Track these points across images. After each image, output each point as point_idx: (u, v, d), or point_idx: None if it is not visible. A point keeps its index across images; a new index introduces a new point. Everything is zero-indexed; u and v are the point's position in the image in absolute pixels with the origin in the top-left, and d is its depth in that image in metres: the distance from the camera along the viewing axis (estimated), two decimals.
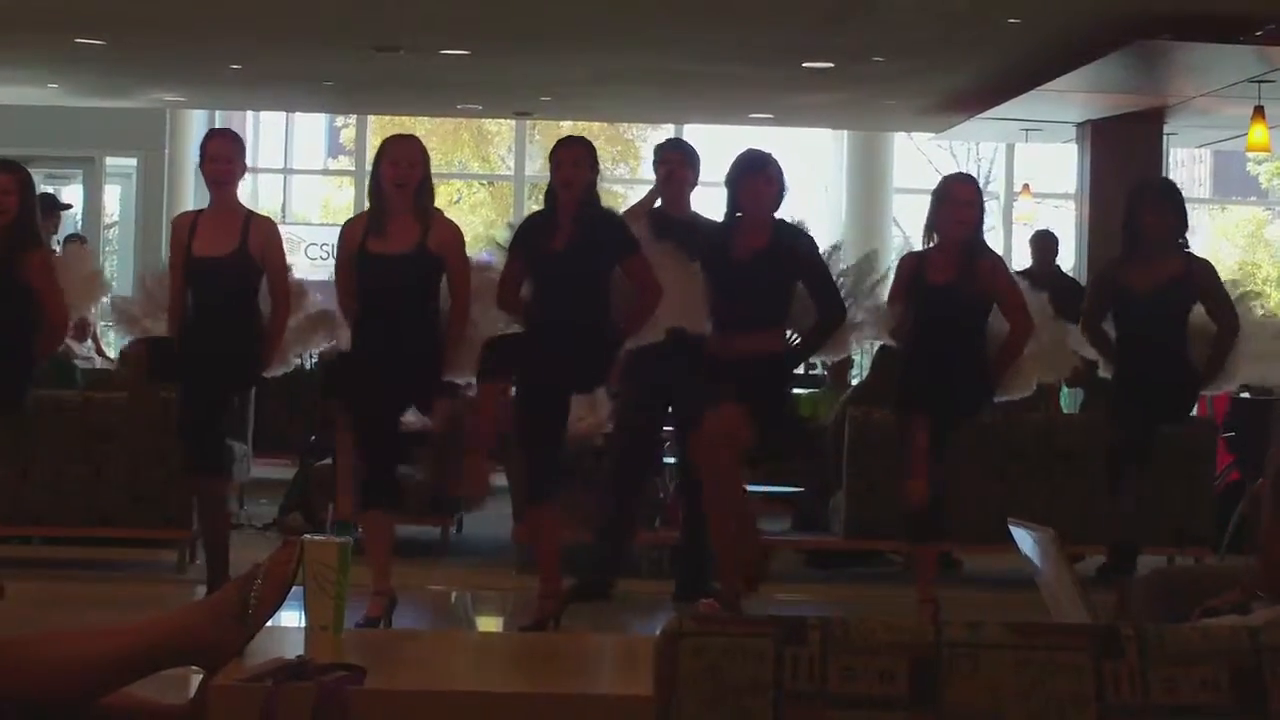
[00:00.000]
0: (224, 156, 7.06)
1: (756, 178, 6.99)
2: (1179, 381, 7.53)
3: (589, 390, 7.08)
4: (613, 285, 6.86)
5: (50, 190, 14.10)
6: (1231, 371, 7.72)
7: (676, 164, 7.53)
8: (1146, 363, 7.47)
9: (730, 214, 7.09)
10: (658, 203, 7.55)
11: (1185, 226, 7.48)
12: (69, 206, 12.81)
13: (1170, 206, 7.47)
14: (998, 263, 7.36)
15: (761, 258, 6.96)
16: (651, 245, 6.98)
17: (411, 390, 6.77)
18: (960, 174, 8.60)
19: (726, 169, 7.13)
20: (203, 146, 7.17)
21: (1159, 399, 7.56)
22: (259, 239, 7.02)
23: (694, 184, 7.64)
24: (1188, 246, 7.53)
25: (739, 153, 7.16)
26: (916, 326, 7.16)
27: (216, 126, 16.55)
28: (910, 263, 7.29)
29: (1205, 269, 7.64)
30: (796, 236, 7.14)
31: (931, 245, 7.17)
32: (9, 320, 6.95)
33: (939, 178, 7.67)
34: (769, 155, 7.11)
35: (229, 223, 7.02)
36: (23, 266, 6.94)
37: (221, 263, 6.95)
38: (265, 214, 7.99)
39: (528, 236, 6.93)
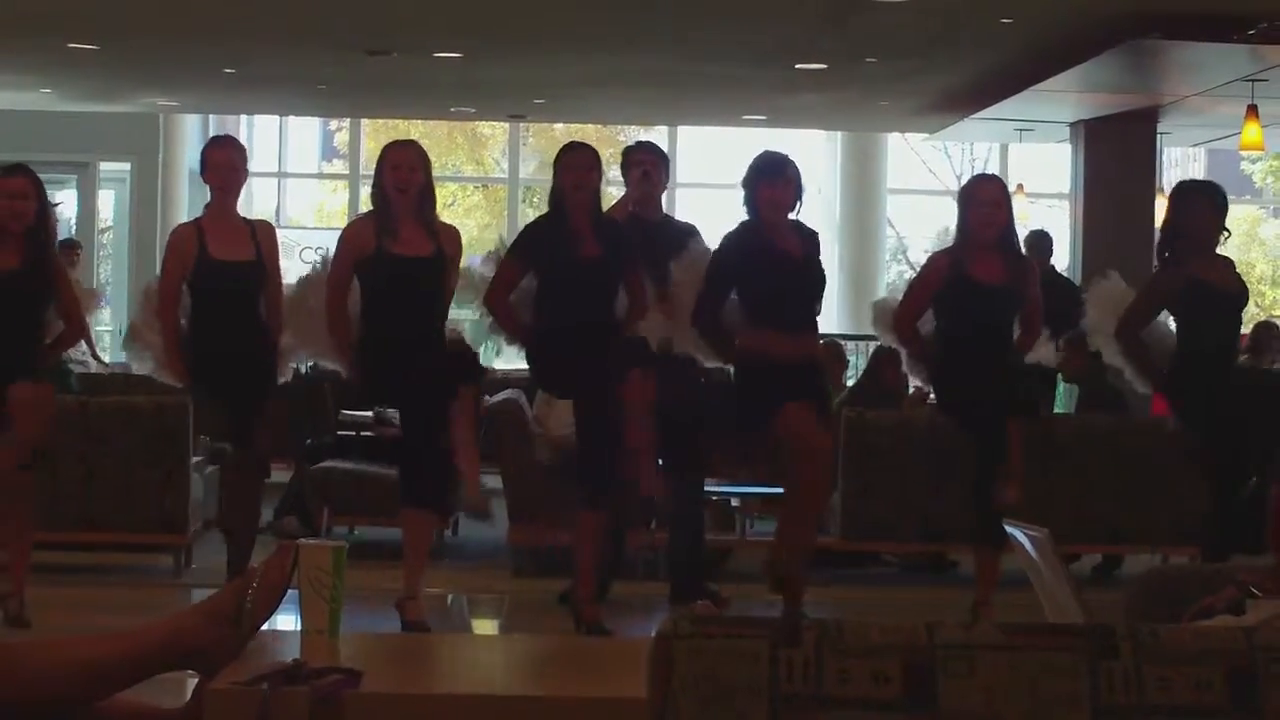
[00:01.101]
0: (231, 165, 7.18)
1: (775, 181, 6.90)
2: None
3: (613, 390, 6.87)
4: None
5: None
6: None
7: (650, 165, 7.51)
8: (1230, 366, 7.33)
9: (752, 217, 6.97)
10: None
11: (1226, 233, 7.34)
12: (59, 204, 12.86)
13: (1222, 212, 7.30)
14: (1034, 266, 7.40)
15: (806, 259, 6.95)
16: None
17: (439, 389, 6.77)
18: (985, 174, 8.59)
19: (743, 172, 7.02)
20: (207, 155, 7.24)
21: (1257, 402, 7.40)
22: (267, 244, 7.18)
23: (665, 185, 7.64)
24: None
25: (756, 155, 7.07)
26: (963, 327, 7.10)
27: (211, 131, 16.57)
28: (942, 262, 7.18)
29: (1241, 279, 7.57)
30: (815, 238, 7.13)
31: (958, 244, 7.13)
32: (30, 321, 6.95)
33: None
34: (786, 157, 7.03)
35: (236, 229, 7.16)
36: (47, 270, 6.94)
37: (241, 268, 7.07)
38: (261, 218, 8.07)
39: (541, 242, 6.93)
